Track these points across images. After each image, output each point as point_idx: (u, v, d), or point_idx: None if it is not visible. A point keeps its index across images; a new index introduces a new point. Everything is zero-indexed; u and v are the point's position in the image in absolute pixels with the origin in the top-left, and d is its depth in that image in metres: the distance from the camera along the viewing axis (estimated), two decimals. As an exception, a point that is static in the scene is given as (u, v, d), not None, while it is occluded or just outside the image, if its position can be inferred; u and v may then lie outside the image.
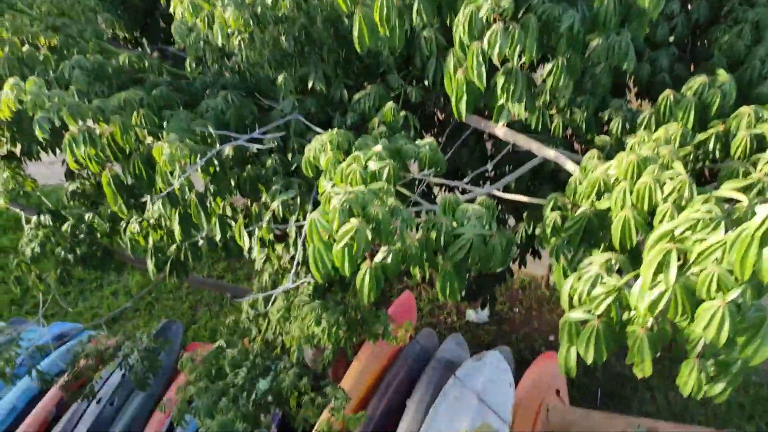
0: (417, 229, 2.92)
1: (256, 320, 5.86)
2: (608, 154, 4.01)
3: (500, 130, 4.25)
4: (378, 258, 2.75)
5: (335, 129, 3.79)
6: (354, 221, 2.62)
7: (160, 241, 5.42)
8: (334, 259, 2.69)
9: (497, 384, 7.75)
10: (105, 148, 4.10)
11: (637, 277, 2.34)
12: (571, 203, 3.25)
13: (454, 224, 2.87)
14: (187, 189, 4.06)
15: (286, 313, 4.80)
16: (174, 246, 5.31)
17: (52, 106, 3.70)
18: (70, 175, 6.94)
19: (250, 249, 4.88)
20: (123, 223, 6.66)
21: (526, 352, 8.96)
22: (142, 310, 9.84)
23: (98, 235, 6.49)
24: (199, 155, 4.02)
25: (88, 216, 6.42)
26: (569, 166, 3.72)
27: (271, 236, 4.30)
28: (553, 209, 3.26)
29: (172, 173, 4.01)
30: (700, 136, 3.46)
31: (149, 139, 4.26)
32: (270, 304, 5.58)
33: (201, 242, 5.35)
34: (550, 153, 3.88)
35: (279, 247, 5.19)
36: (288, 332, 5.00)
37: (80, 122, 3.90)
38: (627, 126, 4.16)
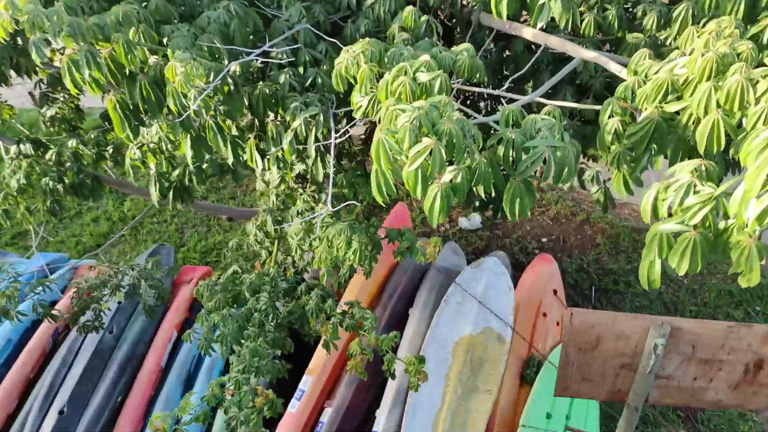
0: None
1: (263, 242, 5.71)
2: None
3: (529, 31, 4.02)
4: (447, 178, 2.58)
5: (366, 39, 3.50)
6: (427, 140, 2.44)
7: (158, 165, 5.16)
8: (405, 181, 2.52)
9: (497, 288, 7.84)
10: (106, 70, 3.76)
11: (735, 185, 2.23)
12: (630, 108, 3.10)
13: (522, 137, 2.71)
14: (204, 111, 3.77)
15: (306, 236, 4.64)
16: (177, 171, 5.04)
17: (53, 25, 3.34)
18: (44, 99, 6.53)
19: (264, 170, 4.67)
20: (110, 148, 6.34)
21: (520, 256, 9.04)
22: (127, 236, 9.56)
23: (84, 163, 6.17)
24: (212, 73, 3.72)
25: (71, 143, 6.08)
26: (612, 66, 3.54)
27: (294, 157, 4.08)
28: (610, 115, 3.10)
29: (185, 95, 3.71)
30: (753, 30, 3.31)
31: (153, 58, 3.92)
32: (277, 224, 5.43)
33: (206, 165, 5.10)
34: (589, 54, 3.69)
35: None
36: (306, 251, 4.87)
37: (81, 43, 3.54)
38: (661, 21, 3.98)
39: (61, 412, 7.03)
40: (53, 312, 5.78)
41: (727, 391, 5.04)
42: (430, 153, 2.41)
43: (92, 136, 6.24)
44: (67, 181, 5.92)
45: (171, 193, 5.15)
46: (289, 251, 5.70)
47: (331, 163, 3.96)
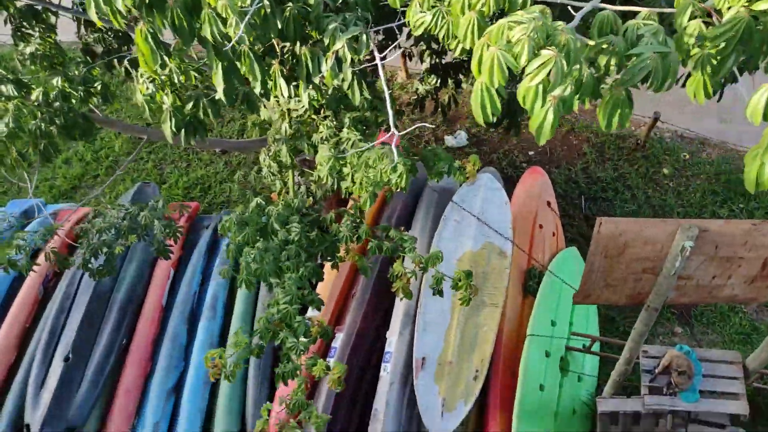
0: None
1: (276, 173, 5.56)
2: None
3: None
4: (556, 92, 2.50)
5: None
6: (548, 52, 2.34)
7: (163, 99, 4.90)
8: (522, 97, 2.43)
9: (493, 204, 7.91)
10: (130, -3, 3.47)
11: None
12: (708, 9, 3.04)
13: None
14: (246, 37, 3.54)
15: (336, 163, 4.51)
16: (190, 104, 4.78)
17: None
18: (18, 35, 6.08)
19: (290, 97, 4.48)
20: (98, 85, 5.99)
21: (509, 170, 9.09)
22: (103, 176, 9.19)
23: (73, 102, 5.81)
24: (250, -4, 3.49)
25: (56, 81, 5.70)
26: (670, -31, 3.46)
27: (336, 81, 3.90)
28: (690, 18, 3.04)
29: (225, 21, 3.47)
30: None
31: (180, -18, 3.63)
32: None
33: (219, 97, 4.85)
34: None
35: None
36: (336, 177, 4.74)
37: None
38: None
39: (66, 359, 6.89)
40: (67, 263, 5.54)
41: (743, 286, 5.26)
42: (554, 66, 2.32)
43: (76, 72, 5.86)
44: (59, 122, 5.57)
45: (185, 127, 4.90)
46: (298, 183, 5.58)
47: (385, 85, 3.81)
